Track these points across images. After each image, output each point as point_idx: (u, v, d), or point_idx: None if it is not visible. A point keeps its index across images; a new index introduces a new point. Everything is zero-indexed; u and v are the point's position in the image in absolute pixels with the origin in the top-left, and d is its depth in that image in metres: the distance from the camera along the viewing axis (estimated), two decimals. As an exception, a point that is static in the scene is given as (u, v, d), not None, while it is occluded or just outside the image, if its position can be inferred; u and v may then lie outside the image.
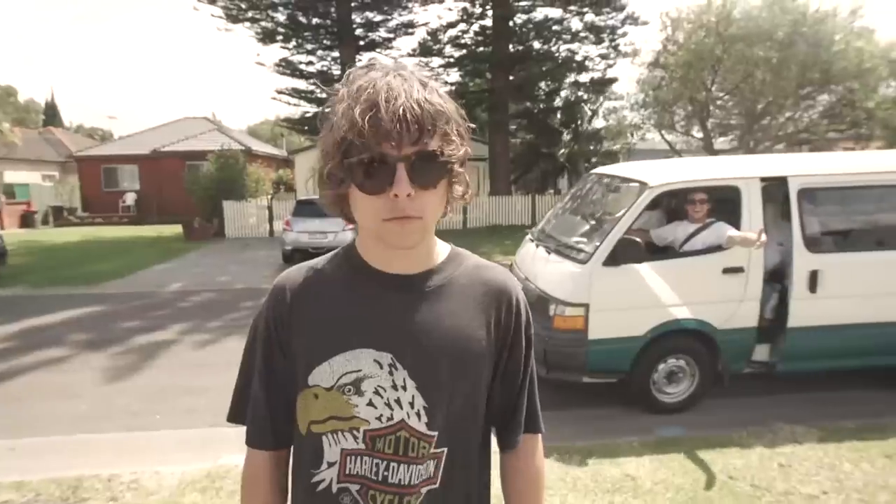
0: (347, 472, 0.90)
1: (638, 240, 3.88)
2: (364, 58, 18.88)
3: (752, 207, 4.01)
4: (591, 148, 18.40)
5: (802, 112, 13.40)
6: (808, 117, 13.48)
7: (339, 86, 0.83)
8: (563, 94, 20.10)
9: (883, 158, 4.57)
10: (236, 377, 1.00)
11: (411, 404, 0.89)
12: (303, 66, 17.63)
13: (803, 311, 4.13)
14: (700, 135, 15.68)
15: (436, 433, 0.90)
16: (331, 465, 0.90)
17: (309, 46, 17.56)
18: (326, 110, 0.83)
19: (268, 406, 0.94)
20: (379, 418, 0.88)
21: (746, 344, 4.12)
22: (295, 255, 12.41)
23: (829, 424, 3.95)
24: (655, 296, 3.97)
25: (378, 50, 18.79)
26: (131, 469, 3.51)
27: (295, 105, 18.24)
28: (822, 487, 3.15)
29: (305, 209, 12.53)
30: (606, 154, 18.03)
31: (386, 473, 0.89)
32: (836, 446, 3.64)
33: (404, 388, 0.88)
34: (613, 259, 3.89)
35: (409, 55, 18.27)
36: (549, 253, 4.45)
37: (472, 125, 0.89)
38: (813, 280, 4.10)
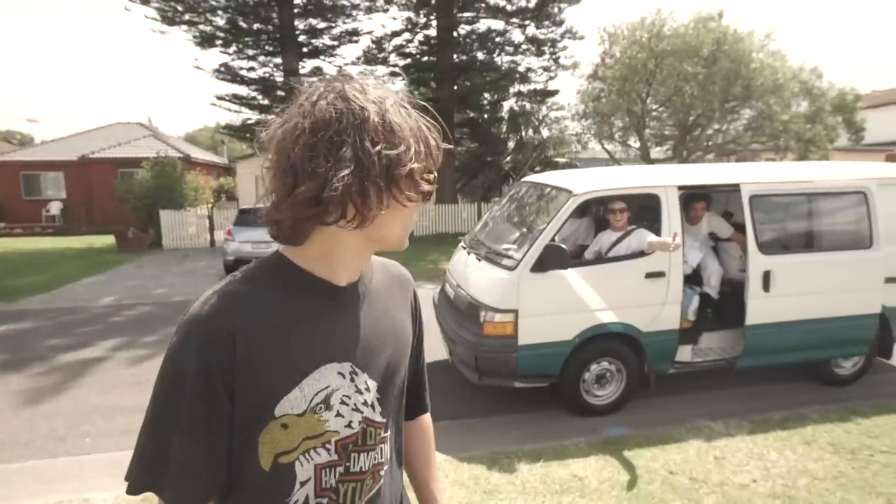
0: (323, 485, 0.90)
1: (563, 246, 4.01)
2: (308, 65, 18.74)
3: (671, 213, 4.23)
4: (535, 157, 18.86)
5: (728, 124, 14.35)
6: (733, 129, 14.44)
7: (357, 94, 0.80)
8: (507, 104, 20.53)
9: (819, 169, 4.91)
10: (141, 433, 0.83)
11: (370, 401, 0.94)
12: (244, 72, 17.14)
13: (759, 310, 4.39)
14: (637, 145, 16.43)
15: (385, 419, 0.99)
16: (304, 483, 0.89)
17: (250, 52, 17.12)
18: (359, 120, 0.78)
19: (209, 462, 0.82)
20: (348, 425, 0.91)
21: (670, 345, 4.34)
22: (238, 265, 12.04)
23: (757, 417, 4.22)
24: (583, 301, 4.11)
25: (322, 57, 18.60)
26: (57, 498, 3.28)
27: (236, 112, 17.62)
28: (752, 476, 3.35)
29: (248, 218, 12.20)
30: (549, 163, 18.53)
31: (348, 464, 0.93)
32: (763, 437, 3.88)
33: (367, 389, 0.93)
34: (541, 265, 4.00)
35: (353, 63, 18.19)
36: (479, 260, 4.53)
37: None
38: (766, 280, 4.38)
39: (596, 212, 4.98)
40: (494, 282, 4.26)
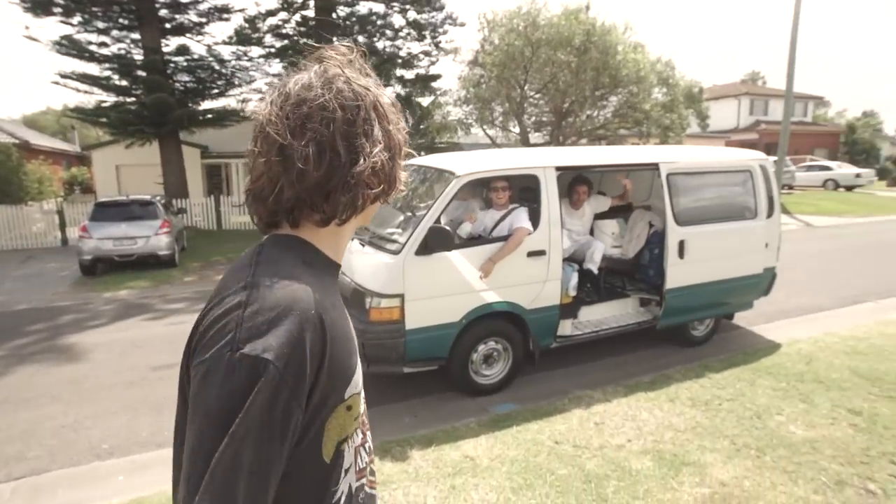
0: (359, 467, 0.87)
1: (447, 228, 4.03)
2: (172, 43, 17.09)
3: (550, 193, 4.43)
4: (421, 142, 18.91)
5: (598, 111, 15.44)
6: (602, 116, 15.57)
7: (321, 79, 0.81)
8: (390, 89, 20.28)
9: (715, 151, 5.62)
10: (214, 465, 0.63)
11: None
12: (93, 48, 15.14)
13: (675, 275, 4.90)
14: (517, 130, 17.09)
15: None
16: (347, 470, 0.83)
17: (100, 24, 15.14)
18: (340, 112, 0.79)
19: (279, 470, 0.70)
20: (364, 398, 0.89)
21: (552, 321, 4.56)
22: (97, 265, 10.78)
23: (630, 381, 4.57)
24: (468, 282, 4.18)
25: (189, 35, 16.99)
26: None
27: (86, 93, 15.54)
28: (627, 437, 3.61)
29: (108, 212, 10.90)
30: (434, 149, 18.69)
31: (367, 442, 0.91)
32: (635, 399, 4.21)
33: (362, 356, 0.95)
34: (425, 248, 3.99)
35: (225, 43, 16.86)
36: (363, 245, 4.43)
37: None
38: (681, 248, 4.86)
39: (481, 193, 5.07)
40: (379, 267, 4.16)
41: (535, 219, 4.41)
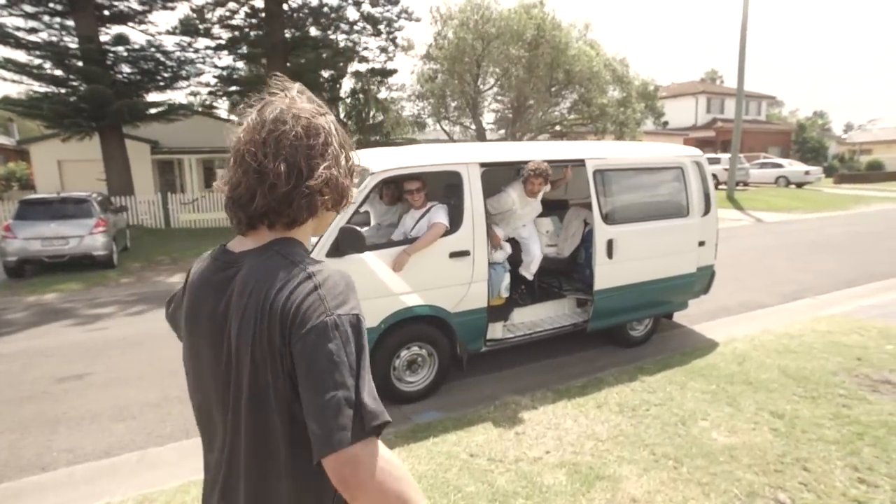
0: None
1: (357, 228, 3.75)
2: (113, 31, 16.23)
3: (473, 191, 4.21)
4: (375, 139, 18.54)
5: (554, 107, 15.37)
6: (559, 112, 15.52)
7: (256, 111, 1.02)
8: (346, 84, 19.86)
9: (645, 147, 5.37)
10: (359, 381, 0.89)
11: None
12: (21, 34, 14.21)
13: (604, 275, 4.72)
14: (474, 126, 16.91)
15: None
16: None
17: (27, 8, 14.21)
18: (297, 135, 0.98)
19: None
20: None
21: (480, 324, 4.34)
22: (25, 267, 10.12)
23: (561, 386, 4.39)
24: (385, 285, 3.94)
25: (130, 24, 16.19)
26: None
27: (16, 82, 14.60)
28: (546, 448, 3.41)
29: (35, 210, 10.22)
30: (389, 145, 18.37)
31: None
32: (563, 405, 4.02)
33: None
34: (336, 250, 3.72)
35: (169, 33, 16.13)
36: None
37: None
38: (610, 247, 4.68)
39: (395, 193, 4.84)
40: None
41: (457, 218, 4.19)
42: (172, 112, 15.95)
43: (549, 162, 4.56)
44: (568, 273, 5.45)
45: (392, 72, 19.24)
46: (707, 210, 5.38)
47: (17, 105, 14.59)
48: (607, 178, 4.80)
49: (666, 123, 33.59)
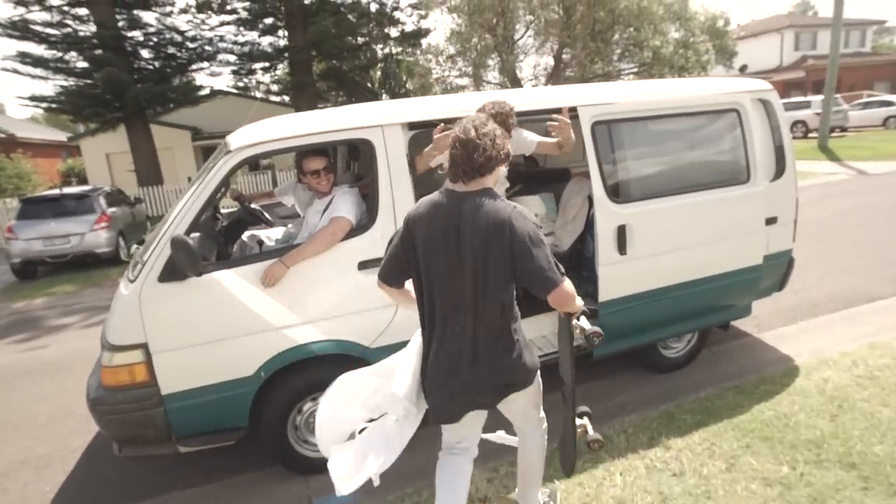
0: None
1: (188, 239, 2.41)
2: (139, 18, 15.70)
3: (394, 167, 2.77)
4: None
5: (598, 55, 13.14)
6: (606, 60, 13.28)
7: None
8: (377, 50, 18.46)
9: (680, 84, 3.59)
10: (549, 258, 1.79)
11: None
12: (38, 28, 13.90)
13: (614, 279, 3.20)
14: (510, 85, 15.02)
15: None
16: None
17: (52, 2, 13.84)
18: None
19: None
20: None
21: None
22: (35, 268, 9.85)
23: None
24: (259, 315, 2.63)
25: (150, 9, 15.54)
26: None
27: (42, 78, 14.42)
28: None
29: (37, 209, 9.87)
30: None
31: None
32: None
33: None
34: (172, 270, 2.46)
35: (183, 11, 15.39)
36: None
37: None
38: (621, 237, 3.14)
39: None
40: (114, 304, 2.68)
41: (371, 209, 2.80)
42: (192, 94, 15.32)
43: (523, 114, 3.03)
44: (570, 271, 3.91)
45: (426, 32, 17.62)
46: (781, 171, 3.63)
47: (41, 100, 14.44)
48: (616, 132, 3.19)
49: (744, 67, 29.60)
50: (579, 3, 10.97)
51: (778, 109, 3.62)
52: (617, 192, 3.20)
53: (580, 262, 3.75)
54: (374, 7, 17.11)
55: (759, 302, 3.97)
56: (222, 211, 4.06)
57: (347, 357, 2.85)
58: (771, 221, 3.59)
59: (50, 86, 14.58)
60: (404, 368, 1.99)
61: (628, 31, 12.10)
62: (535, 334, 3.59)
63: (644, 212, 3.20)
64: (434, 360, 1.89)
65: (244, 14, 16.14)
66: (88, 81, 14.37)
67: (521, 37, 13.21)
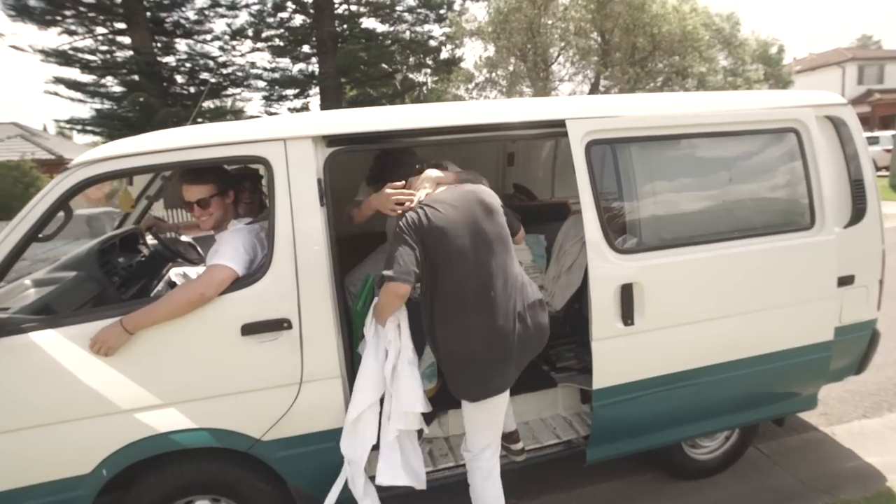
0: None
1: None
2: (177, 45, 15.96)
3: (300, 194, 2.00)
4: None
5: (637, 82, 12.18)
6: (649, 88, 12.36)
7: None
8: (413, 79, 18.18)
9: (717, 97, 2.61)
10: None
11: None
12: (81, 55, 14.23)
13: (616, 358, 2.30)
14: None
15: None
16: None
17: (84, 29, 14.21)
18: None
19: None
20: None
21: (333, 460, 2.09)
22: None
23: None
24: (99, 392, 1.89)
25: (195, 37, 15.78)
26: None
27: (79, 101, 14.73)
28: None
29: None
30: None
31: None
32: None
33: None
34: None
35: (216, 38, 15.53)
36: None
37: None
38: (627, 301, 2.24)
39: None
40: None
41: (269, 249, 2.03)
42: (221, 120, 15.29)
43: (491, 128, 2.22)
44: (564, 337, 3.01)
45: (459, 60, 17.21)
46: (859, 214, 2.66)
47: (78, 123, 14.74)
48: (621, 156, 2.33)
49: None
50: (616, 28, 10.15)
51: (855, 131, 2.67)
52: (623, 234, 2.33)
53: (578, 325, 2.85)
54: (407, 35, 16.93)
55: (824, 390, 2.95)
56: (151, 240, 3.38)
57: (231, 452, 2.06)
58: (845, 282, 2.61)
59: (87, 109, 14.74)
60: (409, 385, 1.98)
61: (670, 59, 11.14)
62: (534, 416, 2.75)
63: (661, 266, 2.30)
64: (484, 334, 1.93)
65: (279, 42, 16.17)
66: (123, 105, 14.57)
67: (554, 62, 12.47)
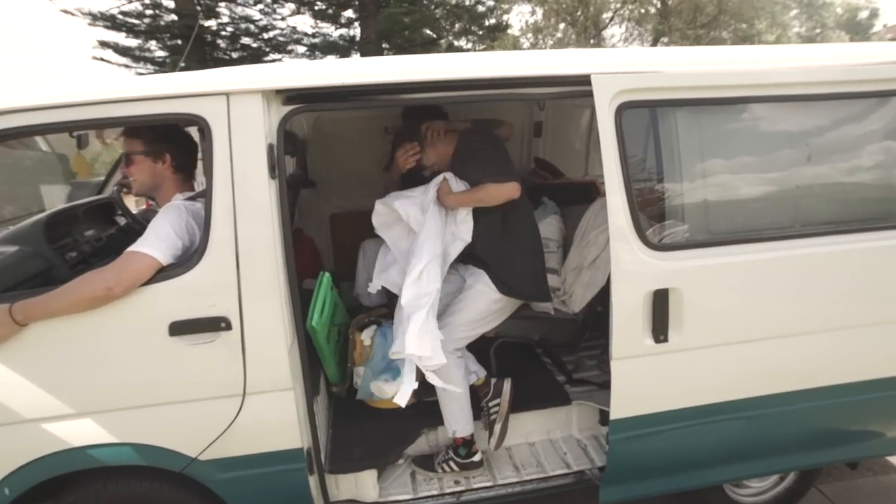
0: None
1: None
2: (220, 8, 15.79)
3: (245, 161, 1.59)
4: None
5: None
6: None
7: None
8: (450, 44, 17.47)
9: (791, 50, 1.98)
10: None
11: None
12: (127, 18, 14.24)
13: (641, 383, 1.84)
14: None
15: None
16: None
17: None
18: None
19: None
20: None
21: (288, 483, 1.73)
22: None
23: None
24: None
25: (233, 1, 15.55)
26: None
27: (124, 66, 14.80)
28: None
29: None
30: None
31: None
32: None
33: None
34: None
35: (258, 1, 15.21)
36: None
37: None
38: (661, 311, 1.75)
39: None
40: None
41: (204, 231, 1.64)
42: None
43: (502, 82, 1.74)
44: (579, 346, 2.54)
45: (507, 25, 16.30)
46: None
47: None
48: (663, 123, 1.80)
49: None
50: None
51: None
52: (658, 225, 1.82)
53: (601, 331, 2.36)
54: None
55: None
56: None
57: (162, 472, 1.72)
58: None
59: (130, 75, 14.81)
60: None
61: (737, 25, 9.97)
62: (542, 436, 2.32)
63: (708, 267, 1.77)
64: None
65: (321, 5, 15.74)
66: (164, 70, 14.58)
67: (606, 26, 11.49)
